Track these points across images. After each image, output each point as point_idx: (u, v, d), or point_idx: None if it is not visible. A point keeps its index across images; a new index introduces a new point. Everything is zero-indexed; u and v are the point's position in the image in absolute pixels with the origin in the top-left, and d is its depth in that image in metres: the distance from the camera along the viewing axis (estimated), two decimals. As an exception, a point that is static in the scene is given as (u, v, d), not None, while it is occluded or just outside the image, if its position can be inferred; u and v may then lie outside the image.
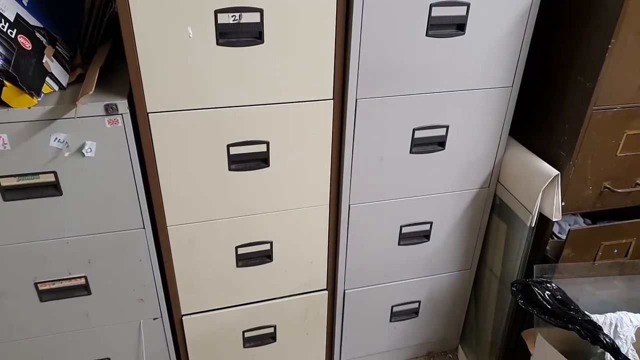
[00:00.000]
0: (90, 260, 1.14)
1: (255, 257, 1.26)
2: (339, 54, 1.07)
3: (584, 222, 1.38)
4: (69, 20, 1.12)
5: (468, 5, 1.07)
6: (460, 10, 1.08)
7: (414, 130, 1.19)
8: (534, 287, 1.21)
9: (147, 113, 1.02)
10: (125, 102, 1.00)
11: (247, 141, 1.11)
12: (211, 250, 1.21)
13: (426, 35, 1.08)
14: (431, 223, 1.34)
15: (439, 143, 1.23)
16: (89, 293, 1.18)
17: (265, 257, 1.27)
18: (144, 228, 1.14)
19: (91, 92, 0.95)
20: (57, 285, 1.15)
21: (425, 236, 1.36)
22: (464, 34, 1.10)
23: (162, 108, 1.02)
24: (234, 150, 1.11)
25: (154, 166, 1.08)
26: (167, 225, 1.15)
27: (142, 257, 1.17)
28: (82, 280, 1.16)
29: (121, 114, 1.00)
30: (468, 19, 1.09)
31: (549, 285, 1.21)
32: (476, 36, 1.11)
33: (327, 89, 1.10)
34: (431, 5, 1.05)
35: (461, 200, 1.34)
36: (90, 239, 1.12)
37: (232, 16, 0.97)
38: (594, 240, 1.27)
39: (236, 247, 1.23)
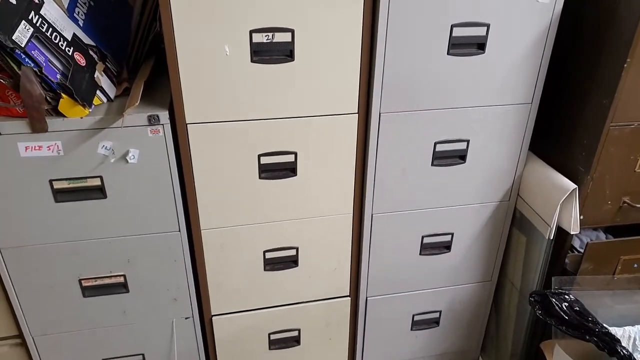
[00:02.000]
0: (129, 259, 1.23)
1: (281, 262, 1.32)
2: (364, 70, 1.14)
3: (606, 237, 1.39)
4: (118, 38, 1.23)
5: (488, 25, 1.13)
6: (480, 31, 1.13)
7: (435, 143, 1.24)
8: (551, 298, 1.23)
9: (186, 124, 1.11)
10: (167, 113, 1.09)
11: (276, 151, 1.18)
12: (240, 253, 1.29)
13: (447, 54, 1.14)
14: (452, 234, 1.38)
15: (460, 156, 1.28)
16: (127, 291, 1.26)
17: (291, 262, 1.33)
18: (180, 231, 1.22)
19: (137, 104, 1.04)
20: (99, 282, 1.24)
21: (446, 247, 1.40)
22: (484, 52, 1.16)
23: (200, 119, 1.11)
24: (265, 160, 1.18)
25: (191, 173, 1.16)
26: (201, 228, 1.23)
27: (177, 258, 1.25)
28: (122, 279, 1.25)
29: (162, 124, 1.09)
30: (488, 38, 1.14)
31: (567, 296, 1.24)
32: (496, 55, 1.17)
33: (353, 103, 1.17)
34: (452, 26, 1.11)
35: (482, 212, 1.38)
36: (130, 240, 1.20)
37: (266, 36, 1.06)
38: (613, 254, 1.28)
39: (264, 252, 1.30)
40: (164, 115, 1.09)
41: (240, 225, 1.25)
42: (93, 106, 1.09)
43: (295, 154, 1.19)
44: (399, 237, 1.35)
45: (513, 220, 1.42)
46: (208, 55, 1.05)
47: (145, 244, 1.22)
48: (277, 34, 1.06)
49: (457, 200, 1.34)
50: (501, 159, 1.31)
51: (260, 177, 1.20)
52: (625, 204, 1.25)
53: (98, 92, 1.10)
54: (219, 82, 1.08)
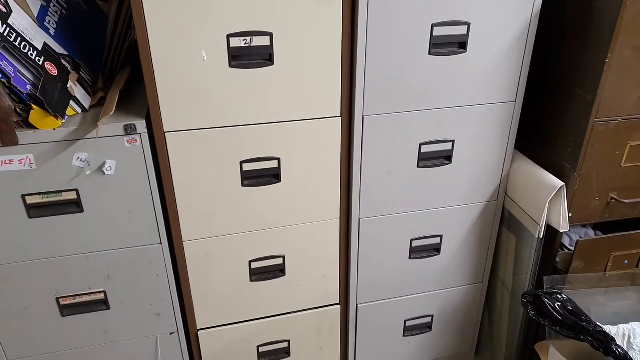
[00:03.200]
0: (109, 275, 1.18)
1: (268, 271, 1.29)
2: (345, 73, 1.11)
3: (595, 234, 1.38)
4: (92, 47, 1.19)
5: (469, 24, 1.12)
6: (461, 30, 1.12)
7: (420, 145, 1.22)
8: (544, 299, 1.21)
9: (164, 132, 1.07)
10: (144, 122, 1.05)
11: (259, 158, 1.15)
12: (225, 264, 1.25)
13: (429, 53, 1.13)
14: (441, 236, 1.36)
15: (446, 157, 1.26)
16: (108, 308, 1.21)
17: (279, 271, 1.30)
18: (161, 243, 1.18)
19: (112, 114, 1.01)
20: (78, 300, 1.19)
21: (435, 249, 1.38)
22: (465, 51, 1.14)
23: (179, 127, 1.08)
24: (247, 167, 1.15)
25: (171, 183, 1.12)
26: (183, 240, 1.19)
27: (159, 272, 1.21)
28: (102, 295, 1.20)
29: (139, 134, 1.06)
30: (469, 37, 1.13)
31: (559, 296, 1.22)
32: (478, 53, 1.15)
33: (335, 106, 1.15)
34: (433, 25, 1.10)
35: (470, 213, 1.36)
36: (109, 255, 1.16)
37: (244, 40, 1.03)
38: (603, 251, 1.27)
39: (250, 262, 1.26)
40: (140, 124, 1.05)
41: (224, 235, 1.21)
42: (66, 117, 1.05)
43: (279, 159, 1.17)
44: (387, 241, 1.33)
45: (502, 220, 1.41)
46: (185, 62, 1.02)
47: (125, 258, 1.17)
48: (255, 38, 1.03)
49: (445, 201, 1.32)
50: (487, 158, 1.30)
51: (243, 185, 1.17)
52: (613, 200, 1.24)
53: (72, 102, 1.06)
54: (197, 88, 1.05)
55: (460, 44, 1.14)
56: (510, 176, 1.34)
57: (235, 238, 1.22)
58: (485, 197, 1.35)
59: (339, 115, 1.16)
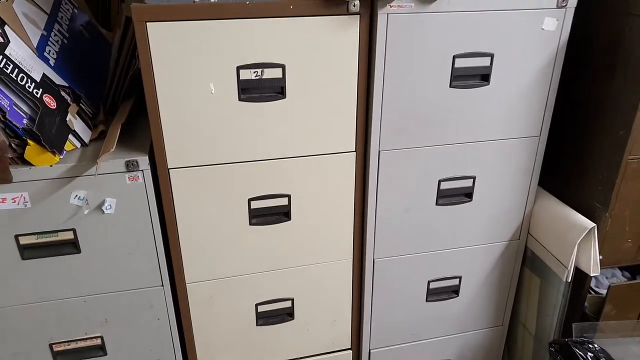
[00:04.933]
0: (107, 319, 1.10)
1: (276, 315, 1.21)
2: (361, 106, 1.05)
3: (623, 275, 1.30)
4: (94, 78, 1.14)
5: (492, 55, 1.06)
6: (484, 61, 1.06)
7: (439, 181, 1.15)
8: (574, 348, 1.12)
9: (168, 169, 1.01)
10: (146, 158, 0.99)
11: (268, 195, 1.08)
12: (230, 308, 1.17)
13: (450, 86, 1.06)
14: (460, 277, 1.28)
15: (466, 194, 1.19)
16: (105, 354, 1.13)
17: (287, 314, 1.22)
18: (162, 285, 1.10)
19: (112, 150, 0.94)
20: (73, 346, 1.11)
21: (454, 291, 1.30)
22: (488, 84, 1.08)
23: (184, 164, 1.01)
24: (255, 204, 1.08)
25: (174, 222, 1.05)
26: (187, 282, 1.12)
27: (160, 316, 1.13)
28: (98, 341, 1.12)
29: (142, 170, 0.99)
30: (492, 69, 1.07)
31: (591, 346, 1.13)
32: (501, 86, 1.09)
33: (350, 141, 1.08)
34: (454, 57, 1.04)
35: (491, 253, 1.28)
36: (107, 298, 1.08)
37: (254, 72, 0.97)
38: (637, 295, 1.18)
39: (256, 305, 1.18)
40: (143, 161, 0.99)
41: (230, 277, 1.14)
42: (64, 152, 0.99)
43: (289, 196, 1.10)
44: (403, 283, 1.25)
45: (524, 260, 1.32)
46: (191, 94, 0.96)
47: (124, 302, 1.10)
48: (266, 70, 0.97)
49: (464, 240, 1.24)
50: (509, 195, 1.22)
51: (250, 223, 1.10)
52: (647, 242, 1.16)
53: (70, 136, 1.00)
54: (204, 122, 0.99)
55: (482, 76, 1.08)
56: (534, 214, 1.26)
57: (241, 280, 1.15)
58: (506, 236, 1.27)
59: (354, 150, 1.09)
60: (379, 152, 1.09)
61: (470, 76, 1.07)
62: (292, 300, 1.20)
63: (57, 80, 1.02)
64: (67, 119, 1.00)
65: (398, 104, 1.05)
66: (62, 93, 1.02)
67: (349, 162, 1.10)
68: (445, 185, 1.16)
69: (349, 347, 1.31)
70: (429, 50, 1.02)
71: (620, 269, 1.30)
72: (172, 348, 1.17)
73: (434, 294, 1.28)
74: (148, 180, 1.01)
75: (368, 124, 1.07)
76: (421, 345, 1.34)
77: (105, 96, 1.15)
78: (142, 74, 0.93)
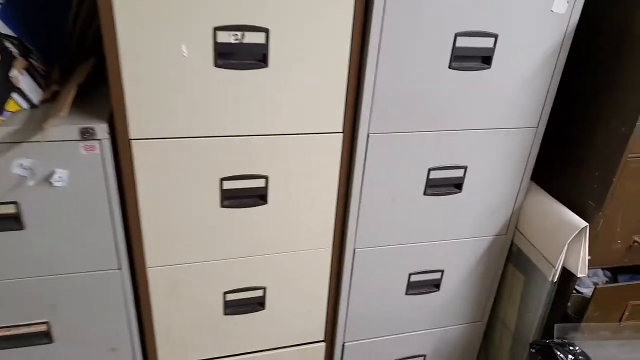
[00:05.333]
0: (55, 304, 0.99)
1: (245, 304, 1.11)
2: (352, 83, 0.95)
3: (604, 275, 1.26)
4: (50, 32, 0.99)
5: (496, 36, 0.97)
6: (487, 42, 0.97)
7: (429, 170, 1.07)
8: (555, 350, 1.08)
9: (130, 140, 0.89)
10: (105, 126, 0.86)
11: (243, 175, 0.98)
12: (195, 295, 1.07)
13: (449, 67, 0.97)
14: (442, 271, 1.22)
15: (456, 185, 1.11)
16: (51, 341, 1.02)
17: (258, 304, 1.12)
18: (120, 269, 0.99)
19: (63, 113, 0.82)
20: (14, 331, 0.99)
21: (435, 285, 1.23)
22: (489, 67, 1.00)
23: (148, 135, 0.89)
24: (228, 185, 0.98)
25: (135, 200, 0.94)
26: (147, 266, 1.01)
27: (117, 302, 1.02)
28: (44, 327, 1.00)
29: (99, 140, 0.87)
30: (495, 51, 0.98)
31: (572, 348, 1.09)
32: (503, 70, 1.01)
33: (337, 121, 0.98)
34: (456, 35, 0.95)
35: (476, 247, 1.22)
36: (55, 280, 0.97)
37: (234, 35, 0.85)
38: (621, 298, 1.15)
39: (224, 293, 1.08)
40: (101, 129, 0.86)
41: (196, 263, 1.03)
42: (6, 113, 0.85)
43: (267, 178, 0.99)
44: (383, 275, 1.17)
45: (509, 256, 1.27)
46: (160, 56, 0.83)
47: (75, 286, 0.98)
48: (248, 34, 0.86)
49: (450, 233, 1.17)
50: (501, 188, 1.16)
51: (222, 205, 0.99)
52: (636, 243, 1.12)
53: (14, 94, 0.86)
54: (174, 89, 0.87)
55: (484, 59, 0.99)
56: (524, 209, 1.20)
57: (208, 266, 1.04)
58: (493, 231, 1.21)
59: (341, 131, 0.99)
60: (368, 134, 1.00)
61: (471, 58, 0.99)
62: (264, 289, 1.11)
63: (2, 28, 0.87)
64: (11, 74, 0.86)
65: (392, 82, 0.96)
66: (7, 44, 0.87)
67: (335, 144, 1.01)
68: (435, 175, 1.08)
69: (323, 339, 1.23)
70: (430, 25, 0.92)
71: (602, 268, 1.27)
72: (129, 337, 1.06)
73: (414, 287, 1.21)
74: (106, 152, 0.88)
75: (358, 103, 0.97)
76: (397, 339, 1.28)
77: (63, 53, 1.01)
78: (102, 28, 0.80)
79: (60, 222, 0.92)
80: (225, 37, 0.85)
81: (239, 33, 0.86)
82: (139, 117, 0.87)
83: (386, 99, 0.97)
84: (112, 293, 1.01)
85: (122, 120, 0.87)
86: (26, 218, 0.90)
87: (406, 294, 1.21)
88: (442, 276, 1.22)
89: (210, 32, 0.84)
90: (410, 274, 1.19)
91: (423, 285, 1.22)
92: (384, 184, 1.06)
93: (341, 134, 1.00)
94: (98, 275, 0.99)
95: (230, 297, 1.09)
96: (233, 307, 1.11)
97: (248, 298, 1.11)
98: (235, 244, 1.04)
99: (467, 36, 0.95)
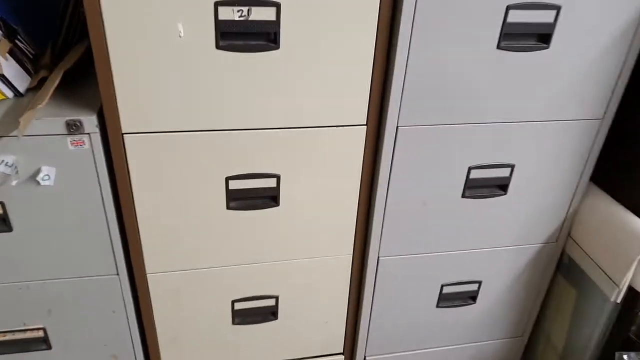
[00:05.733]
0: (50, 309, 0.91)
1: (256, 313, 1.01)
2: (378, 65, 0.80)
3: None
4: (42, 10, 0.89)
5: (558, 8, 0.79)
6: (546, 16, 0.80)
7: (469, 168, 0.92)
8: (615, 381, 0.92)
9: (122, 134, 0.78)
10: (94, 118, 0.76)
11: (252, 174, 0.86)
12: (201, 303, 0.97)
13: (497, 47, 0.81)
14: (480, 282, 1.07)
15: (500, 186, 0.96)
16: (49, 347, 0.95)
17: (270, 314, 1.02)
18: (118, 274, 0.90)
19: (42, 105, 0.71)
20: (9, 337, 0.93)
21: (471, 297, 1.09)
22: (547, 47, 0.82)
23: (143, 128, 0.78)
24: (235, 185, 0.86)
25: (131, 200, 0.84)
26: (147, 272, 0.91)
27: (116, 308, 0.94)
28: (40, 333, 0.93)
29: (88, 134, 0.77)
30: (555, 27, 0.81)
31: (634, 380, 0.93)
32: (564, 51, 0.83)
33: (360, 111, 0.84)
34: (508, 7, 0.78)
35: (520, 256, 1.06)
36: (49, 285, 0.89)
37: (239, 11, 0.72)
38: (697, 324, 0.97)
39: (233, 302, 0.98)
40: (89, 122, 0.76)
41: (201, 269, 0.93)
42: (-13, 103, 0.76)
43: (278, 177, 0.87)
44: (411, 286, 1.04)
45: (559, 267, 1.10)
46: (153, 37, 0.71)
47: (71, 291, 0.90)
48: (255, 9, 0.72)
49: (491, 241, 1.02)
50: (554, 189, 0.99)
51: (228, 207, 0.88)
52: None
53: (-4, 82, 0.77)
54: (170, 76, 0.75)
55: (540, 37, 0.82)
56: (579, 214, 1.03)
57: (215, 273, 0.94)
58: (542, 238, 1.05)
59: (364, 123, 0.85)
60: (397, 127, 0.85)
61: (526, 35, 0.82)
62: (277, 298, 1.00)
63: (-18, 6, 0.78)
64: (-9, 59, 0.76)
65: (428, 65, 0.80)
66: (-14, 24, 0.78)
67: (357, 138, 0.87)
68: (476, 174, 0.93)
69: (341, 351, 1.12)
70: (475, -5, 0.76)
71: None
72: (130, 344, 0.98)
73: (446, 300, 1.08)
74: (97, 147, 0.78)
75: (386, 89, 0.83)
76: (425, 354, 1.15)
77: (57, 35, 0.91)
78: (85, 7, 0.68)
79: (51, 223, 0.83)
80: (228, 14, 0.72)
81: (244, 8, 0.72)
82: (132, 109, 0.76)
83: (420, 84, 0.82)
84: (110, 299, 0.93)
85: (112, 112, 0.76)
86: (14, 219, 0.81)
87: (437, 306, 1.08)
88: (479, 287, 1.08)
89: (210, 7, 0.71)
90: (442, 285, 1.05)
91: (457, 297, 1.08)
92: (415, 185, 0.92)
93: (364, 126, 0.85)
94: (95, 280, 0.90)
95: (239, 305, 0.99)
96: (242, 317, 1.01)
97: (259, 307, 1.00)
98: (244, 249, 0.93)
99: (522, 9, 0.78)
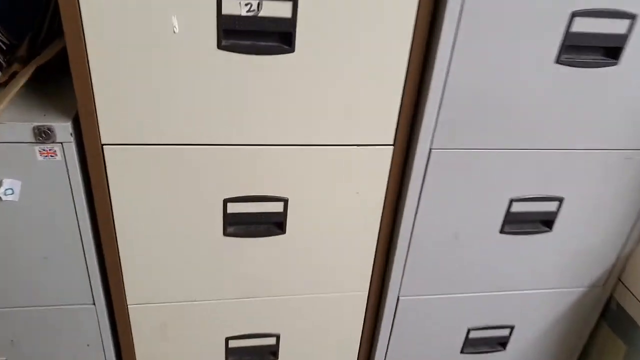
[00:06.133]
0: (12, 340, 0.79)
1: (253, 353, 0.88)
2: (412, 78, 0.67)
3: None
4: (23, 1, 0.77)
5: (633, 17, 0.65)
6: (618, 26, 0.66)
7: (511, 200, 0.78)
8: None
9: (102, 145, 0.65)
10: (69, 125, 0.63)
11: (255, 196, 0.73)
12: (191, 340, 0.84)
13: (556, 61, 0.67)
14: (512, 327, 0.93)
15: (545, 222, 0.82)
16: (12, 382, 0.83)
17: (269, 354, 0.89)
18: (95, 304, 0.78)
19: (2, 107, 0.59)
20: (-33, 369, 0.81)
21: (500, 344, 0.95)
22: (616, 63, 0.68)
23: (126, 139, 0.65)
24: (234, 208, 0.73)
25: (111, 221, 0.71)
26: (128, 303, 0.79)
27: (91, 342, 0.81)
28: (2, 366, 0.81)
29: (61, 143, 0.64)
30: (629, 38, 0.67)
31: None
32: (636, 68, 0.69)
33: (387, 130, 0.71)
34: (573, 14, 0.64)
35: (561, 300, 0.92)
36: (14, 313, 0.77)
37: (247, 4, 0.59)
38: None
39: (227, 339, 0.85)
40: (62, 129, 0.63)
41: (191, 302, 0.80)
42: (-58, 102, 0.63)
43: (286, 201, 0.74)
44: (434, 329, 0.90)
45: (604, 314, 0.96)
46: (141, 33, 0.59)
47: (39, 320, 0.78)
48: (266, 3, 0.59)
49: (528, 282, 0.88)
50: (604, 227, 0.85)
51: (225, 233, 0.75)
52: None
53: (-46, 77, 0.65)
54: (160, 78, 0.62)
55: (609, 51, 0.68)
56: (634, 257, 0.89)
57: (207, 306, 0.81)
58: (586, 281, 0.91)
59: (392, 143, 0.72)
60: (430, 150, 0.72)
61: (591, 48, 0.68)
62: (278, 336, 0.87)
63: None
64: (-53, 49, 0.64)
65: (470, 80, 0.67)
66: (-54, 7, 0.65)
67: (383, 160, 0.73)
68: (518, 207, 0.79)
69: (349, 397, 0.99)
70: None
71: None
72: (108, 381, 0.86)
73: (473, 345, 0.94)
74: (71, 159, 0.66)
75: (420, 106, 0.69)
76: (444, 404, 1.01)
77: (39, 25, 0.78)
78: (59, -13, 0.56)
79: (15, 244, 0.71)
80: (234, 7, 0.59)
81: (254, 2, 0.59)
82: (113, 117, 0.63)
83: (460, 100, 0.68)
84: (85, 332, 0.80)
85: (90, 119, 0.63)
86: (-29, 238, 0.69)
87: (461, 352, 0.94)
88: (510, 333, 0.94)
89: (212, 0, 0.58)
90: (469, 329, 0.92)
91: (485, 343, 0.94)
92: (447, 216, 0.78)
93: (392, 146, 0.72)
94: (67, 310, 0.78)
95: (234, 343, 0.86)
96: (237, 356, 0.88)
97: (257, 346, 0.87)
98: (242, 280, 0.80)
99: (590, 16, 0.65)
